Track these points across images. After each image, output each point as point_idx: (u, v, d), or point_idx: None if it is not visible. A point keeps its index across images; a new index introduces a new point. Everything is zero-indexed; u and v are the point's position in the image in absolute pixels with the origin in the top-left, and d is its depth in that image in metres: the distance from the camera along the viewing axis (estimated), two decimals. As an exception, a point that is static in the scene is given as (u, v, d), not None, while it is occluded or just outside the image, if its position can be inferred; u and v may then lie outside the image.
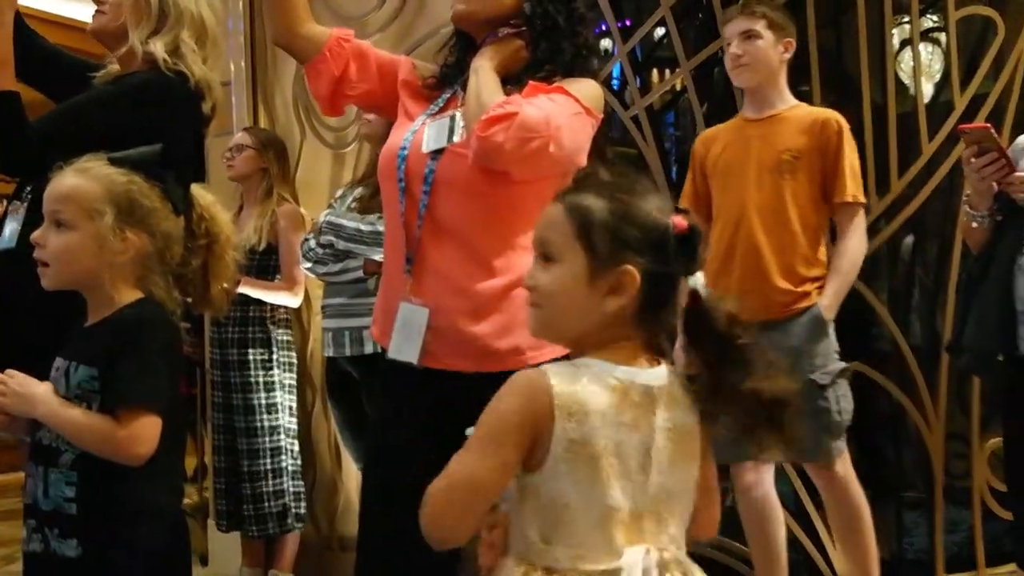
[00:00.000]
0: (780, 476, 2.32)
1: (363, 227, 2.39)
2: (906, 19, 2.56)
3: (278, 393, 2.72)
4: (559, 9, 1.45)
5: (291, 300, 2.75)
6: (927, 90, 2.62)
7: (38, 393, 1.29)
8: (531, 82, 1.40)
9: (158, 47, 1.69)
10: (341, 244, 2.41)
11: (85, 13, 1.93)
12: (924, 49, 2.64)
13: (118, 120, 1.62)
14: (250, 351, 2.69)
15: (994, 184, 1.88)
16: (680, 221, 0.99)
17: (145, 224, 1.34)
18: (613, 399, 0.96)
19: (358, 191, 2.54)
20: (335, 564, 2.76)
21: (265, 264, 2.74)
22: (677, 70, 2.57)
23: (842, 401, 2.13)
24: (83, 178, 1.33)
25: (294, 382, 2.79)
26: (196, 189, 1.53)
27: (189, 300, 1.47)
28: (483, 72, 1.41)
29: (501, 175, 1.35)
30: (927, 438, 2.43)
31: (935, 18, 2.69)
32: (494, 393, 0.99)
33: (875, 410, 2.66)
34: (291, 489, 2.71)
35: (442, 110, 1.48)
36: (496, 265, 1.38)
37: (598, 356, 0.99)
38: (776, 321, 2.11)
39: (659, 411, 0.98)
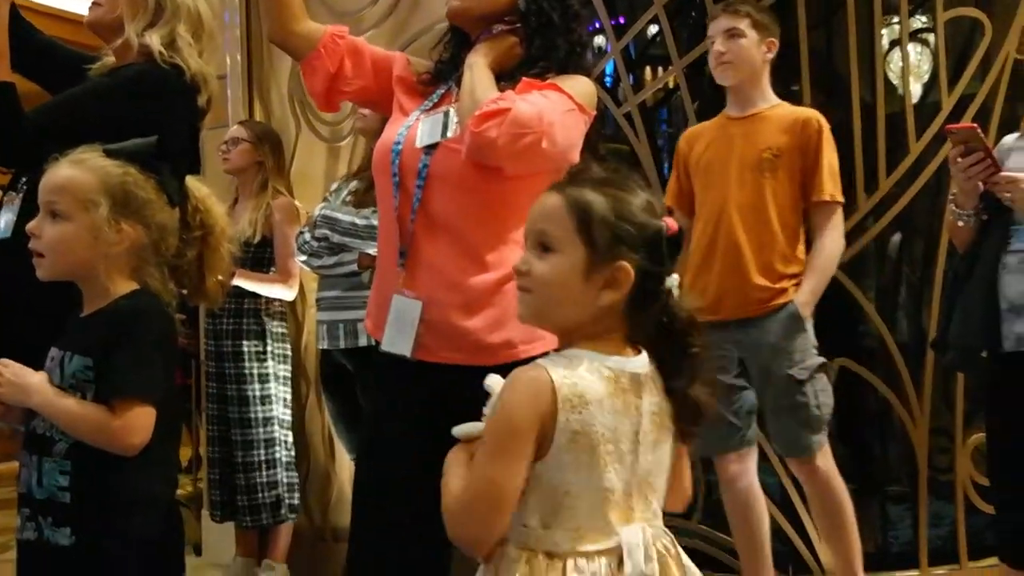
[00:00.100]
0: (765, 467, 2.34)
1: (358, 221, 2.40)
2: (895, 20, 2.58)
3: (272, 384, 2.72)
4: (553, 6, 1.46)
5: (286, 293, 2.76)
6: (915, 90, 2.63)
7: (33, 383, 1.30)
8: (525, 79, 1.40)
9: (154, 40, 1.70)
10: (336, 237, 2.42)
11: (81, 5, 1.94)
12: (913, 49, 2.66)
13: (114, 112, 1.62)
14: (245, 343, 2.70)
15: (980, 183, 1.89)
16: (672, 223, 1.03)
17: (140, 216, 1.34)
18: (607, 388, 1.00)
19: (353, 185, 2.55)
20: (328, 555, 2.77)
21: (260, 257, 2.74)
22: (670, 68, 2.58)
23: (821, 396, 2.14)
24: (78, 169, 1.33)
25: (288, 374, 2.79)
26: (191, 181, 1.54)
27: (184, 292, 1.48)
28: (477, 68, 1.42)
29: (494, 170, 1.36)
30: (912, 433, 2.45)
31: (924, 19, 2.70)
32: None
33: (861, 405, 2.69)
34: (285, 480, 2.72)
35: (436, 106, 1.49)
36: (489, 260, 1.39)
37: (588, 347, 1.02)
38: (754, 318, 2.14)
39: (645, 396, 1.02)
